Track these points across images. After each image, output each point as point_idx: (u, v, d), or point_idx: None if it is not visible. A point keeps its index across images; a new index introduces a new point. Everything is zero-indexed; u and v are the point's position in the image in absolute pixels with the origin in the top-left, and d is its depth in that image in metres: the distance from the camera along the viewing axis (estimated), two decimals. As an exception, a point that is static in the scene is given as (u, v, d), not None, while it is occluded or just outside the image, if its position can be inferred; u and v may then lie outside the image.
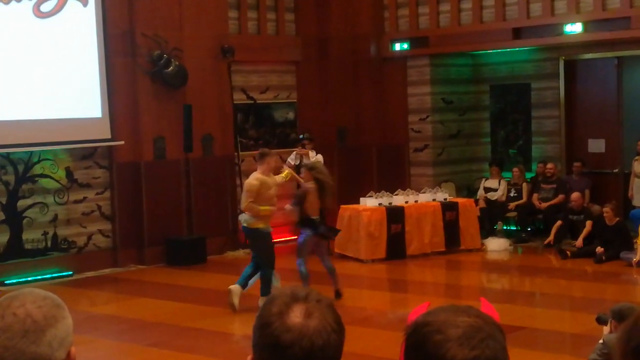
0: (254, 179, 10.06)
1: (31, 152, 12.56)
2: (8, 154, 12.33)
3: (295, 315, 1.95)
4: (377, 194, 13.70)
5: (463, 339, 1.58)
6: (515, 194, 14.79)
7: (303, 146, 13.85)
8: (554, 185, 14.48)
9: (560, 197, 14.22)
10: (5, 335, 1.90)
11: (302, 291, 2.01)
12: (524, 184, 14.82)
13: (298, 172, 14.06)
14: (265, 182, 10.06)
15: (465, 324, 1.61)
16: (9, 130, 12.10)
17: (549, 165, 14.64)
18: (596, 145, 15.16)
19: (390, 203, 13.54)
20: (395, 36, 15.85)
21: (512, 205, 14.65)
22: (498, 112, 16.24)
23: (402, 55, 15.81)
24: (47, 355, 1.91)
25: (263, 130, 15.23)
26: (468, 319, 1.62)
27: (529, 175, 15.20)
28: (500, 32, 14.56)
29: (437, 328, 1.60)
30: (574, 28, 13.77)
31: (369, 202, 13.49)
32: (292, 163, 13.98)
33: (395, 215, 13.36)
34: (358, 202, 13.68)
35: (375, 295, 11.48)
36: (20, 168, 12.51)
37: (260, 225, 10.04)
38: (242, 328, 9.44)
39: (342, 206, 13.82)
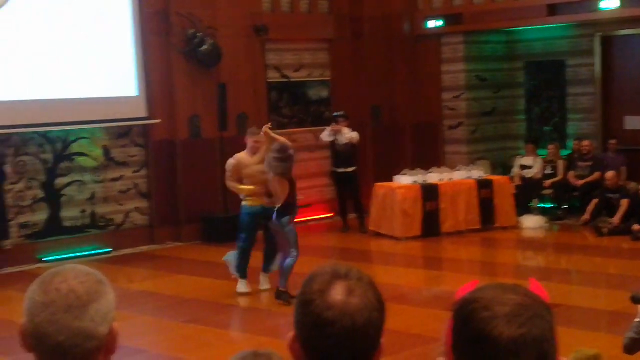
0: (232, 159, 10.07)
1: (69, 131, 12.69)
2: (46, 132, 12.48)
3: (337, 293, 1.95)
4: (412, 171, 13.69)
5: (510, 316, 1.57)
6: (551, 172, 14.71)
7: (337, 123, 13.87)
8: (590, 163, 14.38)
9: (597, 174, 14.11)
10: (48, 310, 1.92)
11: (343, 269, 2.01)
12: (560, 162, 14.72)
13: (332, 147, 14.10)
14: (242, 161, 9.97)
15: (513, 302, 1.60)
16: (47, 109, 12.24)
17: (585, 143, 14.53)
18: (632, 123, 15.02)
19: (424, 181, 13.53)
20: (429, 13, 15.77)
21: (547, 182, 14.57)
22: (533, 89, 16.12)
23: (436, 32, 15.74)
24: (90, 330, 1.93)
25: (297, 108, 15.25)
26: (516, 297, 1.61)
27: (564, 152, 15.10)
28: (535, 9, 14.44)
29: (485, 305, 1.59)
30: (610, 4, 13.62)
31: (404, 180, 13.49)
32: (326, 140, 14.00)
33: (430, 193, 13.35)
34: (392, 180, 13.68)
35: (410, 272, 11.49)
36: (58, 147, 12.66)
37: (246, 203, 9.98)
38: (279, 305, 9.49)
39: (377, 184, 13.84)
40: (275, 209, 9.42)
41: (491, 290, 1.63)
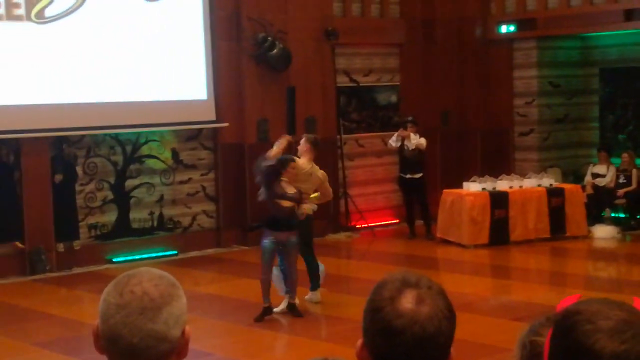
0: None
1: (139, 133, 12.83)
2: (117, 134, 12.63)
3: (407, 301, 1.93)
4: (481, 178, 13.51)
5: (614, 331, 1.53)
6: (625, 181, 14.38)
7: (405, 128, 13.75)
8: (666, 172, 14.02)
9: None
10: (123, 312, 1.94)
11: (413, 276, 1.99)
12: (634, 170, 14.38)
13: (400, 153, 13.95)
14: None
15: (618, 317, 1.55)
16: (118, 112, 12.39)
17: (660, 152, 14.18)
18: None
19: (494, 188, 13.34)
20: (502, 18, 15.56)
21: (621, 192, 14.25)
22: (607, 96, 15.79)
23: (509, 37, 15.52)
24: (164, 332, 1.94)
25: (365, 113, 15.18)
26: (621, 312, 1.56)
27: (639, 161, 14.74)
28: (611, 14, 14.13)
29: (588, 318, 1.55)
30: (689, 9, 13.27)
31: (472, 186, 13.32)
32: (393, 145, 13.88)
33: (499, 200, 13.15)
34: (461, 187, 13.52)
35: (477, 281, 11.33)
36: (128, 149, 12.80)
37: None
38: (347, 311, 9.41)
39: (445, 190, 13.69)
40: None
41: (596, 304, 1.59)
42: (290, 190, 9.13)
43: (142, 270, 2.03)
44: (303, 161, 9.66)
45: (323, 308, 9.78)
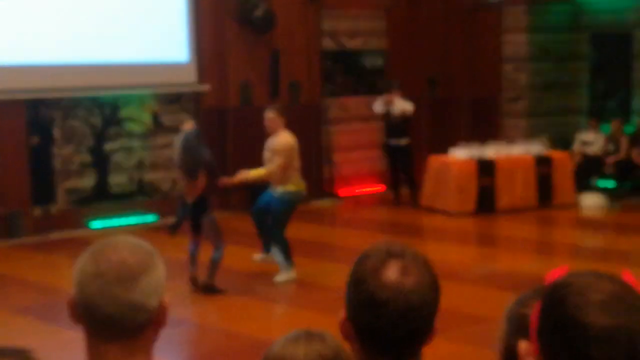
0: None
1: (118, 96, 12.60)
2: (95, 97, 12.39)
3: (392, 272, 1.91)
4: (468, 145, 13.37)
5: (604, 305, 1.49)
6: (613, 148, 14.28)
7: (390, 93, 13.52)
8: (656, 140, 13.90)
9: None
10: (99, 281, 1.91)
11: (397, 247, 1.98)
12: (623, 138, 14.30)
13: (385, 118, 13.73)
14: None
15: (609, 290, 1.51)
16: (97, 73, 12.19)
17: (650, 119, 14.05)
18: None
19: (481, 155, 13.22)
20: (491, -18, 15.34)
21: (609, 160, 14.15)
22: (598, 62, 15.65)
23: (498, 1, 15.30)
24: (140, 302, 1.93)
25: (351, 77, 14.96)
26: (612, 286, 1.52)
27: (628, 129, 14.63)
28: (602, -22, 13.92)
29: (578, 290, 1.51)
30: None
31: (459, 153, 13.17)
32: (378, 110, 13.69)
33: (485, 167, 13.04)
34: (447, 154, 13.37)
35: (462, 249, 11.28)
36: (107, 111, 12.57)
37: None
38: (330, 279, 9.30)
39: (431, 157, 13.60)
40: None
41: (586, 277, 1.56)
42: None
43: (118, 239, 2.01)
44: (286, 136, 9.24)
45: (302, 274, 9.60)
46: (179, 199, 9.38)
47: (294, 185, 9.15)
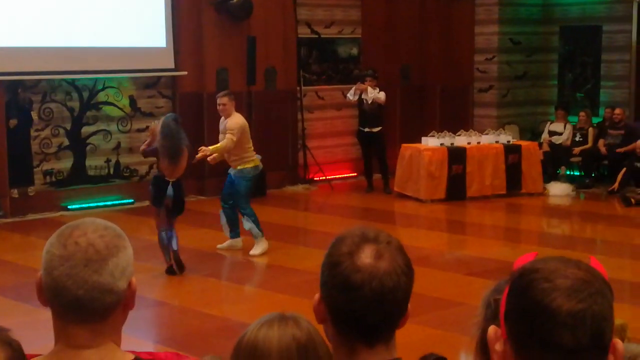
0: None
1: (96, 80, 12.65)
2: (74, 80, 12.45)
3: (366, 256, 1.93)
4: (439, 134, 13.55)
5: (571, 290, 1.51)
6: (581, 139, 14.51)
7: (362, 82, 13.69)
8: (622, 131, 14.16)
9: (633, 145, 13.82)
10: (67, 264, 1.90)
11: (371, 232, 2.00)
12: (590, 129, 14.52)
13: (359, 106, 13.90)
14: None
15: (575, 275, 1.53)
16: (75, 57, 12.19)
17: (617, 111, 14.29)
18: (667, 92, 14.76)
19: (452, 143, 13.38)
20: (465, -27, 15.52)
21: (576, 150, 14.39)
22: (567, 54, 15.88)
23: (471, -8, 15.49)
24: (109, 284, 1.91)
25: (326, 65, 15.10)
26: (578, 271, 1.54)
27: (595, 120, 14.88)
28: (573, -28, 14.16)
29: (545, 276, 1.53)
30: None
31: (431, 141, 13.36)
32: (351, 99, 13.83)
33: (456, 156, 13.22)
34: (420, 142, 13.55)
35: (433, 235, 11.41)
36: (85, 95, 12.63)
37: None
38: (303, 263, 9.44)
39: (403, 145, 13.72)
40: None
41: (553, 262, 1.56)
42: None
43: (86, 221, 1.98)
44: (239, 117, 9.82)
45: (275, 258, 9.79)
46: (154, 179, 9.56)
47: (252, 162, 9.78)
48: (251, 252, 9.82)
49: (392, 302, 1.93)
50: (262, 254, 9.85)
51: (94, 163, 12.78)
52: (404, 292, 1.95)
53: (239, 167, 9.74)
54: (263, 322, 2.02)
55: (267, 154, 13.79)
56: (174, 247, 9.14)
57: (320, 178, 14.49)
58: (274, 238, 10.27)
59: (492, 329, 1.58)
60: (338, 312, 1.95)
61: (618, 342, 1.56)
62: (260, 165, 10.02)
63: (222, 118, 9.86)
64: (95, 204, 12.50)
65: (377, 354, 1.98)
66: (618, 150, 13.89)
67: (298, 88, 14.49)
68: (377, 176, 13.93)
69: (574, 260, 1.58)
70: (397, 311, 1.97)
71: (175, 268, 9.16)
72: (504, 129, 14.46)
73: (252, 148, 9.88)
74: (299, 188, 14.22)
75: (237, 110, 13.46)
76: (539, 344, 1.50)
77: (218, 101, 9.81)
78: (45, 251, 1.94)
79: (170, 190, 9.07)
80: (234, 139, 9.54)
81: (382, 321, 1.96)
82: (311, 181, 14.48)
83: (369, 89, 13.52)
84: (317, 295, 2.00)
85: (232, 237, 10.08)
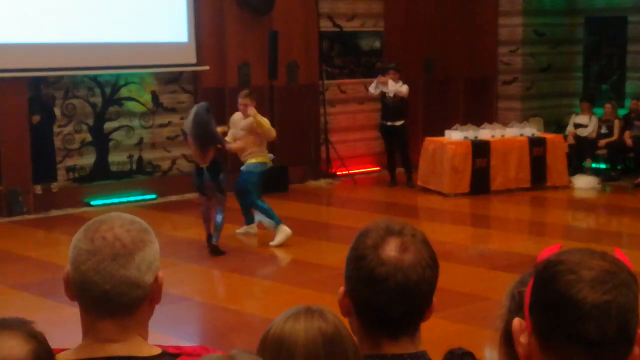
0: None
1: (118, 75, 12.67)
2: (96, 76, 12.47)
3: (391, 249, 1.94)
4: (463, 127, 13.47)
5: (596, 282, 1.49)
6: (606, 131, 14.39)
7: (384, 75, 13.61)
8: (649, 123, 14.02)
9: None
10: (95, 258, 1.91)
11: (396, 225, 2.01)
12: (616, 121, 14.39)
13: (382, 100, 13.84)
14: (234, 120, 10.19)
15: (600, 267, 1.51)
16: (98, 53, 12.22)
17: (642, 102, 14.15)
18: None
19: (476, 137, 13.30)
20: (488, -36, 15.41)
21: (602, 142, 14.27)
22: (592, 45, 15.74)
23: (494, -16, 15.39)
24: (136, 278, 1.92)
25: (348, 59, 15.05)
26: (603, 263, 1.52)
27: (621, 112, 14.74)
28: (598, -38, 14.01)
29: (570, 268, 1.51)
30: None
31: (454, 135, 13.27)
32: (373, 92, 13.77)
33: (480, 149, 13.14)
34: (443, 135, 13.47)
35: (457, 229, 11.35)
36: (107, 91, 12.65)
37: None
38: (326, 258, 9.41)
39: (427, 138, 13.65)
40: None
41: (578, 254, 1.55)
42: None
43: (112, 216, 1.99)
44: (240, 116, 10.13)
45: (302, 255, 9.76)
46: (194, 169, 10.03)
47: (264, 157, 10.11)
48: (271, 243, 9.97)
49: (417, 295, 1.94)
50: (284, 242, 9.97)
51: (116, 159, 12.80)
52: (428, 285, 1.96)
53: (251, 161, 10.02)
54: (289, 315, 2.03)
55: (289, 148, 13.82)
56: (218, 220, 9.63)
57: (343, 172, 14.45)
58: (297, 233, 10.23)
59: (516, 321, 1.58)
60: (363, 305, 1.97)
61: None
62: (270, 164, 10.38)
63: (238, 115, 10.12)
64: (118, 200, 12.53)
65: (402, 346, 1.99)
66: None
67: (320, 82, 14.45)
68: (400, 170, 13.88)
69: (598, 252, 1.56)
70: (422, 304, 1.97)
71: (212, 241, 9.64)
72: (528, 122, 14.35)
73: (267, 144, 10.24)
74: (322, 183, 14.19)
75: (260, 105, 13.43)
76: (564, 336, 1.50)
77: (240, 101, 9.98)
78: (73, 246, 1.96)
79: (206, 174, 9.54)
80: (273, 132, 10.02)
81: (407, 314, 1.96)
82: (334, 176, 14.45)
83: (390, 82, 13.44)
84: (341, 289, 2.01)
85: (247, 222, 10.44)
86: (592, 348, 1.49)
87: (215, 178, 9.56)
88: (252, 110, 9.87)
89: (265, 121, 9.94)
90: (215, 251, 9.66)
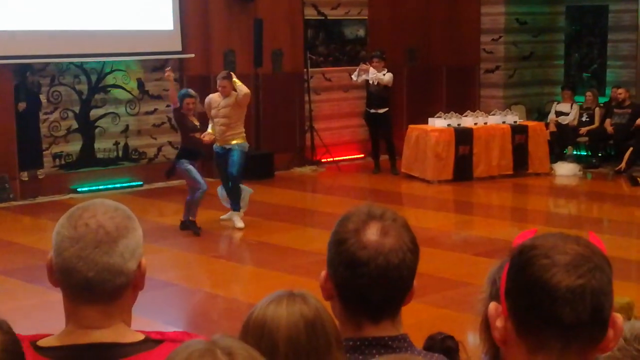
0: (207, 97, 10.36)
1: (104, 63, 12.69)
2: (82, 63, 12.50)
3: (372, 233, 1.96)
4: (446, 115, 13.57)
5: (570, 266, 1.51)
6: (587, 119, 14.52)
7: (367, 63, 13.69)
8: (628, 110, 14.16)
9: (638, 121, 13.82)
10: (78, 245, 1.90)
11: (378, 210, 2.03)
12: (597, 109, 14.53)
13: (366, 87, 13.93)
14: (212, 101, 10.24)
15: (574, 251, 1.54)
16: (83, 40, 12.23)
17: (620, 90, 14.27)
18: (673, 71, 14.73)
19: (458, 124, 13.41)
20: (471, -47, 15.49)
21: (583, 130, 14.40)
22: (573, 34, 15.86)
23: (477, -27, 15.47)
24: (119, 265, 1.91)
25: (333, 47, 15.11)
26: (577, 247, 1.55)
27: (602, 100, 14.88)
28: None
29: (545, 252, 1.53)
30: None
31: (438, 122, 13.38)
32: (356, 80, 13.83)
33: (463, 136, 13.24)
34: (426, 123, 13.57)
35: (440, 216, 11.45)
36: (93, 78, 12.68)
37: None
38: (310, 244, 9.48)
39: (410, 126, 13.75)
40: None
41: (552, 239, 1.57)
42: (197, 122, 10.01)
43: (96, 202, 1.98)
44: (217, 97, 10.25)
45: (283, 239, 9.86)
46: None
47: (244, 138, 10.30)
48: (222, 217, 10.44)
49: (398, 278, 1.96)
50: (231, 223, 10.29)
51: (102, 146, 12.85)
52: (409, 269, 1.98)
53: (237, 141, 10.14)
54: (271, 299, 2.03)
55: (275, 135, 13.90)
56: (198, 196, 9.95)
57: (328, 159, 14.53)
58: (282, 219, 10.33)
59: (492, 305, 1.59)
60: (344, 289, 1.99)
61: (618, 317, 1.57)
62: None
63: (215, 97, 10.24)
64: (104, 187, 12.58)
65: (383, 329, 2.01)
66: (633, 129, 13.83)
67: (305, 70, 14.51)
68: (384, 157, 13.96)
69: (573, 236, 1.59)
70: (402, 287, 1.99)
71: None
72: (510, 110, 14.46)
73: None
74: (307, 170, 14.27)
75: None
76: (539, 320, 1.52)
77: (219, 83, 10.13)
78: (56, 232, 1.95)
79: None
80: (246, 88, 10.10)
81: (388, 297, 1.98)
82: (318, 163, 14.52)
83: (371, 69, 13.50)
84: (323, 272, 2.03)
85: (235, 209, 10.40)
86: (567, 331, 1.51)
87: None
88: (232, 76, 10.09)
89: (242, 87, 10.08)
90: (189, 227, 9.98)
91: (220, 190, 10.45)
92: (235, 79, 10.07)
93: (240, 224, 10.21)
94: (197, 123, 9.96)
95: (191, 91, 10.11)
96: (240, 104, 10.06)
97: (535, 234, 1.63)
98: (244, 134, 10.30)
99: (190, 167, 9.86)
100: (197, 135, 9.89)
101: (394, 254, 1.95)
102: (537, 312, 1.52)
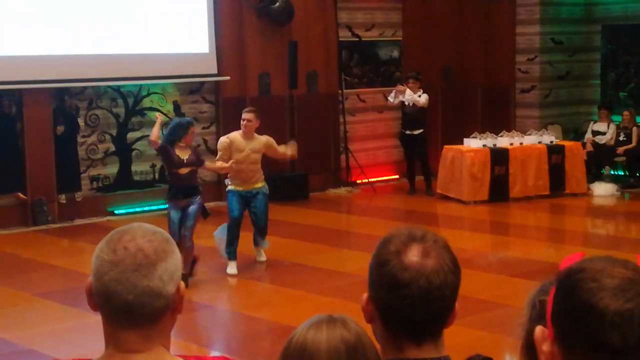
0: (225, 137, 9.63)
1: (140, 86, 12.82)
2: (119, 86, 12.63)
3: (413, 254, 1.97)
4: (481, 135, 13.53)
5: (618, 290, 1.47)
6: (625, 138, 14.40)
7: (403, 84, 13.69)
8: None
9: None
10: (117, 269, 1.92)
11: (418, 231, 2.04)
12: (634, 128, 14.40)
13: (402, 108, 13.91)
14: (235, 142, 9.50)
15: (622, 275, 1.49)
16: (120, 64, 12.37)
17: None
18: None
19: (494, 145, 13.36)
20: (505, -26, 15.48)
21: (620, 149, 14.28)
22: (609, 53, 15.75)
23: (511, -7, 15.45)
24: (159, 288, 1.93)
25: (367, 68, 15.15)
26: (625, 270, 1.50)
27: (639, 119, 14.75)
28: (615, -30, 14.05)
29: (592, 276, 1.50)
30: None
31: (473, 143, 13.34)
32: (392, 101, 13.84)
33: (499, 157, 13.19)
34: (462, 143, 13.54)
35: (476, 237, 11.39)
36: (130, 101, 12.81)
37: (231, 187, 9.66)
38: (346, 265, 9.48)
39: (446, 147, 13.71)
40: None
41: (599, 262, 1.54)
42: (186, 155, 9.05)
43: (134, 226, 2.00)
44: (240, 137, 9.51)
45: (319, 261, 9.83)
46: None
47: (264, 180, 9.72)
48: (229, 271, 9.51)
49: (440, 299, 1.96)
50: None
51: (139, 168, 12.95)
52: (451, 290, 1.99)
53: (261, 184, 9.63)
54: (311, 323, 2.03)
55: (310, 157, 13.92)
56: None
57: (363, 181, 14.53)
58: (317, 241, 10.32)
59: (539, 329, 1.57)
60: (386, 311, 1.99)
61: None
62: None
63: (238, 139, 9.49)
64: (141, 209, 12.67)
65: (425, 351, 2.01)
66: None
67: (340, 91, 14.55)
68: (419, 178, 13.93)
69: (620, 260, 1.55)
70: (444, 309, 2.00)
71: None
72: (546, 129, 14.38)
73: None
74: (342, 191, 14.27)
75: (281, 114, 13.62)
76: (587, 344, 1.48)
77: (244, 116, 9.44)
78: (95, 256, 1.96)
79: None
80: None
81: (430, 319, 1.98)
82: (353, 184, 14.53)
83: (408, 91, 13.51)
84: (365, 295, 2.03)
85: (261, 244, 9.95)
86: (615, 356, 1.47)
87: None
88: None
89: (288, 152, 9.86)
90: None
91: (219, 233, 9.68)
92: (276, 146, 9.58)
93: (237, 270, 9.52)
94: (184, 157, 9.00)
95: (192, 120, 9.52)
96: (268, 151, 9.58)
97: (582, 257, 1.60)
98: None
99: (173, 216, 8.98)
100: (182, 171, 9.03)
101: (436, 274, 1.96)
102: (584, 336, 1.48)
